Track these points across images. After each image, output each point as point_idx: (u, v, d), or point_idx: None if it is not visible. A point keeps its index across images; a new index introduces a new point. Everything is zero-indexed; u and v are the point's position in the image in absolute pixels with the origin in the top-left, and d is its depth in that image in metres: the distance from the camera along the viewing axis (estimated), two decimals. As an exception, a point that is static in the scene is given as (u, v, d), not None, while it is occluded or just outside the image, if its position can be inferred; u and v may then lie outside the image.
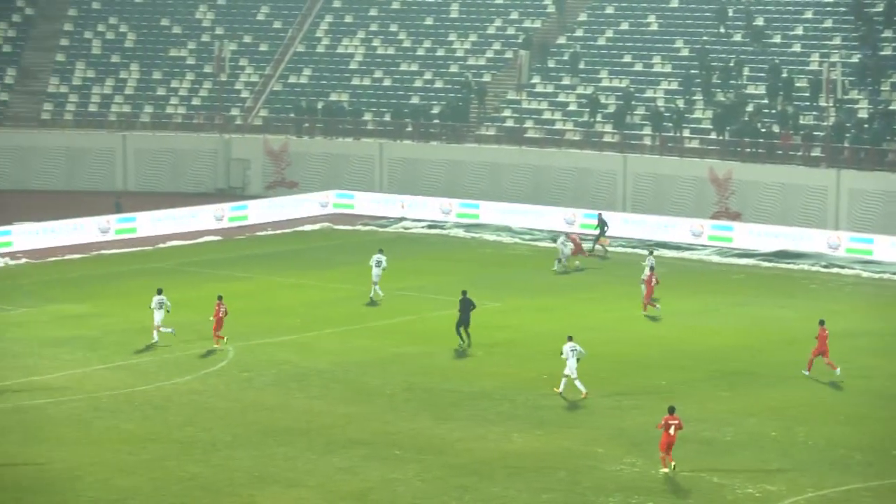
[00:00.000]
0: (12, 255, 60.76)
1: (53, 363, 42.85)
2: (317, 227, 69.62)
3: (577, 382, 39.08)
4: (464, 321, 44.90)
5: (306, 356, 43.88)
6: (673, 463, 33.48)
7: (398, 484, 32.59)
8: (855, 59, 68.44)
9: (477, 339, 45.99)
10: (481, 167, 72.79)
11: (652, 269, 51.09)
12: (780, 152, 66.40)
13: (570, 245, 58.24)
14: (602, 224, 62.91)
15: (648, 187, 68.54)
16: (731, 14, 73.84)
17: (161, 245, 64.59)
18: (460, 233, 67.81)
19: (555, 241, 60.21)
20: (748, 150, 66.97)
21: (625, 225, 66.42)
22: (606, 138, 71.08)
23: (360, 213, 72.41)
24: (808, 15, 72.31)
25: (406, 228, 69.06)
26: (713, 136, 68.62)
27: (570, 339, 39.80)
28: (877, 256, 60.12)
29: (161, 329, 45.17)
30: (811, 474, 33.20)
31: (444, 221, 69.94)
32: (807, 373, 41.74)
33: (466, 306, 45.08)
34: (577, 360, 39.03)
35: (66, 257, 61.25)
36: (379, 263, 51.99)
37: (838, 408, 38.45)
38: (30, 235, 63.15)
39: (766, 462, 34.01)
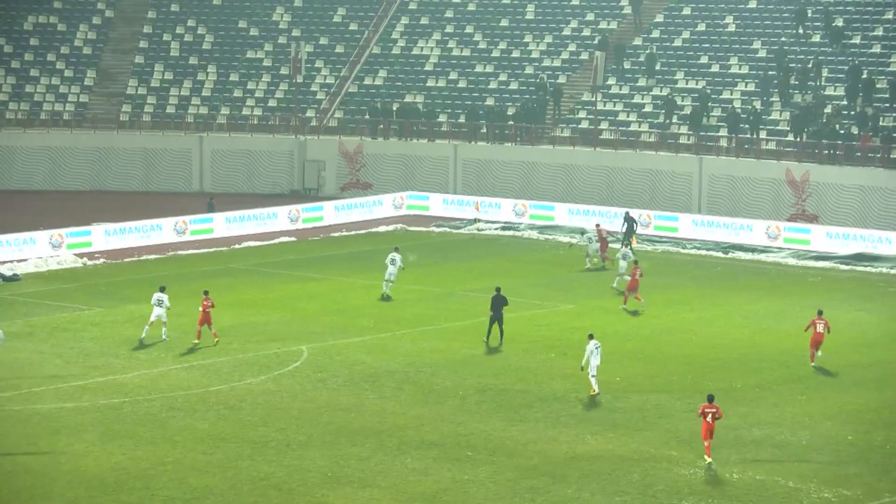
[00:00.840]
0: (90, 256, 61.47)
1: (129, 363, 43.29)
2: (391, 228, 69.80)
3: (593, 379, 39.05)
4: (497, 318, 45.01)
5: (379, 357, 44.01)
6: (708, 458, 33.50)
7: (470, 485, 32.58)
8: (936, 60, 67.61)
9: (550, 342, 45.91)
10: (555, 169, 72.67)
11: (635, 262, 51.53)
12: (858, 154, 65.71)
13: (597, 243, 57.64)
14: (630, 222, 62.71)
15: (724, 189, 68.09)
16: (809, 15, 73.17)
17: (236, 246, 65.06)
18: (534, 234, 67.74)
19: (582, 233, 59.61)
20: (826, 151, 66.32)
21: (700, 227, 66.07)
22: (682, 140, 70.69)
23: (434, 214, 72.55)
24: (889, 16, 71.48)
25: (479, 230, 69.07)
26: (790, 137, 68.02)
27: (591, 337, 39.81)
28: (957, 260, 59.33)
29: (152, 323, 45.00)
30: (889, 479, 32.81)
31: (518, 223, 69.89)
32: (812, 364, 42.57)
33: (499, 303, 45.15)
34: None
35: (142, 258, 61.88)
36: (393, 262, 52.48)
37: (916, 413, 37.99)
38: (108, 236, 63.88)
39: (842, 466, 33.66)
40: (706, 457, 33.90)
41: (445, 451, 34.77)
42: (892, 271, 58.77)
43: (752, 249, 63.29)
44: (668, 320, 49.53)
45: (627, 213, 63.70)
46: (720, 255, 62.75)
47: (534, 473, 33.29)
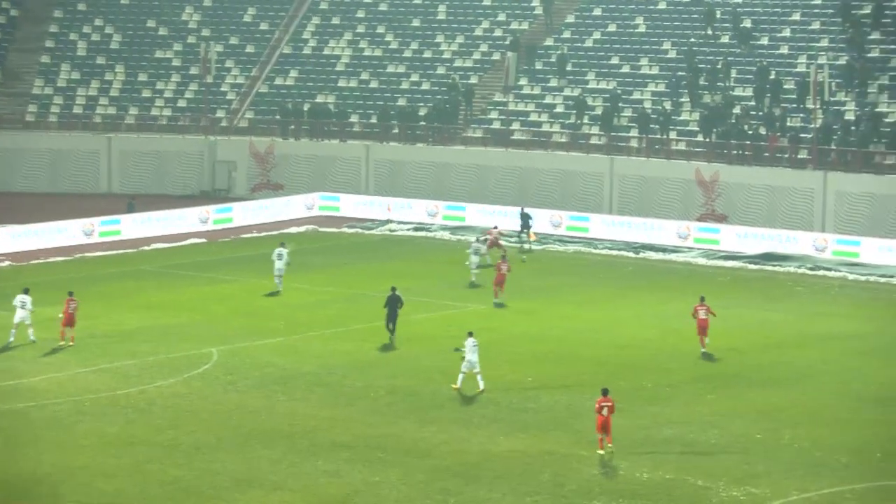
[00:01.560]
0: (-5, 258, 60.67)
1: (35, 366, 42.78)
2: (302, 229, 69.59)
3: (479, 377, 39.67)
4: (391, 317, 45.44)
5: (290, 359, 43.89)
6: (610, 446, 34.26)
7: (382, 487, 32.61)
8: (842, 62, 68.61)
9: (461, 342, 45.91)
10: (467, 169, 72.86)
11: (503, 257, 52.76)
12: (766, 154, 66.57)
13: (484, 247, 57.66)
14: (525, 218, 63.31)
15: (635, 189, 68.67)
16: (718, 16, 73.99)
17: (145, 247, 64.54)
18: (446, 235, 67.88)
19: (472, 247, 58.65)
20: (735, 152, 67.11)
21: (611, 227, 66.59)
22: (593, 140, 71.20)
23: (346, 215, 72.44)
24: (796, 17, 72.49)
25: (392, 231, 69.08)
26: (700, 138, 68.76)
27: (470, 334, 40.37)
28: (863, 259, 60.30)
29: (17, 326, 44.60)
30: (796, 477, 33.28)
31: (431, 224, 69.99)
32: (703, 349, 44.14)
33: (394, 303, 45.48)
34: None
35: (49, 260, 61.17)
36: (280, 257, 52.99)
37: (824, 410, 38.56)
38: (13, 238, 63.04)
39: (751, 465, 34.09)
40: (599, 450, 34.58)
41: (357, 452, 34.76)
42: (800, 270, 59.64)
43: (663, 249, 63.88)
44: (579, 321, 49.85)
45: (522, 210, 64.37)
46: (631, 255, 63.29)
47: (446, 475, 33.37)
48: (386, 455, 34.63)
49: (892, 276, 57.88)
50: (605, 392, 35.00)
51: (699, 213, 66.93)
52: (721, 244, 63.71)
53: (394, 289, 46.32)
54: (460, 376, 40.06)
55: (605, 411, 34.57)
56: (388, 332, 45.89)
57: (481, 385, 39.91)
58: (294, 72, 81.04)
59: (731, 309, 51.90)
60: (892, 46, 68.72)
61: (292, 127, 77.69)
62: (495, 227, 61.77)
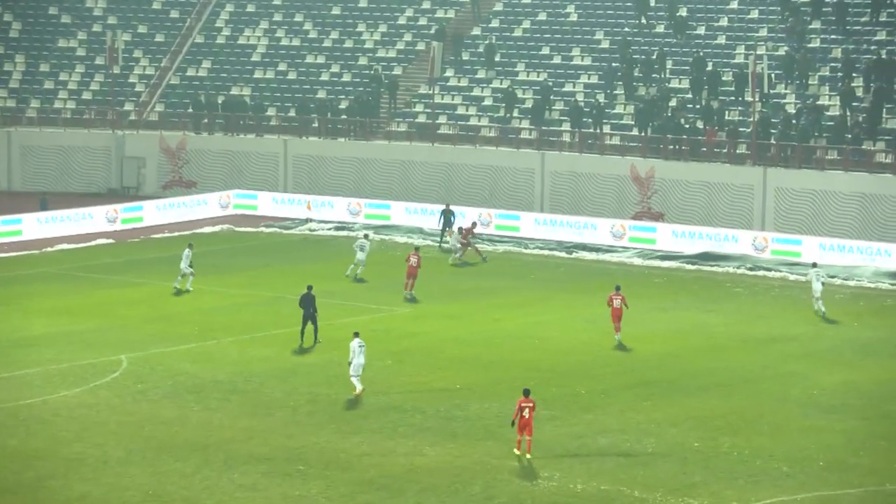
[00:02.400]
0: None
1: (-69, 376, 42.27)
2: (216, 229, 69.29)
3: (355, 379, 40.03)
4: (309, 317, 45.73)
5: (204, 366, 43.67)
6: (528, 455, 34.62)
7: (302, 501, 32.54)
8: (782, 52, 69.33)
9: (386, 347, 46.04)
10: (392, 165, 72.85)
11: (416, 249, 54.40)
12: (704, 149, 67.12)
13: (368, 244, 58.51)
14: (448, 215, 63.58)
15: (567, 186, 68.98)
16: (653, 4, 74.51)
17: (49, 248, 63.95)
18: (369, 234, 67.78)
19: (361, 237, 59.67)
20: (671, 147, 67.61)
21: (542, 226, 66.86)
22: (523, 135, 71.44)
23: (263, 214, 72.18)
24: (734, 6, 73.14)
25: (312, 230, 68.95)
26: (635, 132, 69.20)
27: (356, 335, 40.75)
28: (804, 258, 60.91)
29: None
30: (736, 487, 33.59)
31: (353, 223, 69.92)
32: (617, 336, 46.61)
33: (309, 302, 45.72)
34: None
35: (-55, 262, 60.51)
36: (188, 257, 53.74)
37: (764, 417, 38.94)
38: None
39: (688, 474, 34.35)
40: (516, 450, 34.95)
41: (275, 465, 34.64)
42: (739, 271, 60.18)
43: (597, 249, 64.22)
44: (509, 324, 50.01)
45: (447, 207, 64.56)
46: (563, 255, 63.57)
47: (369, 488, 33.34)
48: (306, 468, 34.54)
49: (833, 277, 58.54)
50: (526, 392, 35.44)
51: (634, 211, 67.36)
52: (657, 244, 64.15)
53: (310, 287, 46.37)
54: (354, 380, 40.14)
55: (526, 412, 34.96)
56: (301, 336, 45.92)
57: (358, 388, 40.11)
58: (207, 62, 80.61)
59: (668, 311, 52.31)
60: (833, 36, 69.58)
61: (205, 121, 77.29)
62: (473, 224, 62.38)
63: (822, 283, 52.35)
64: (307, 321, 45.95)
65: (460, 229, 62.36)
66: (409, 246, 64.20)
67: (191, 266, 54.02)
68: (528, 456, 35.03)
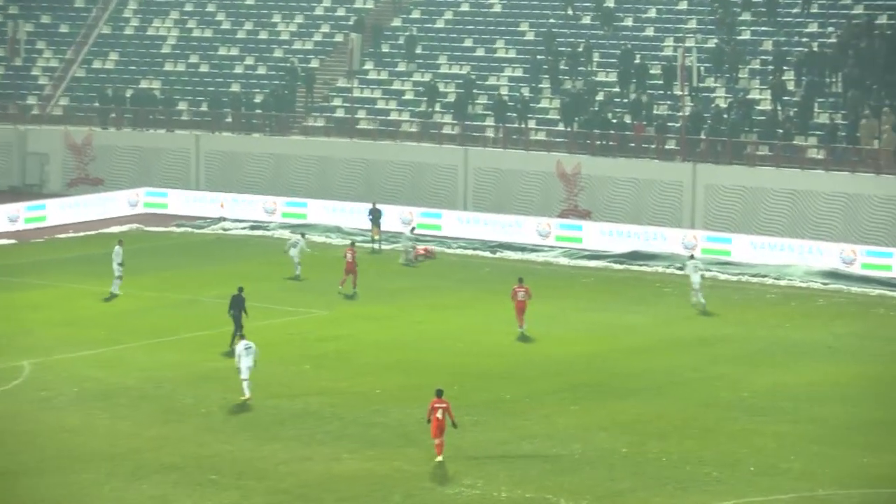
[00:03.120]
0: None
1: None
2: (125, 228, 68.85)
3: (246, 384, 40.11)
4: (236, 319, 45.89)
5: (112, 372, 43.45)
6: (440, 457, 35.05)
7: (215, 512, 32.48)
8: (711, 45, 69.94)
9: (303, 352, 46.01)
10: (309, 162, 72.71)
11: (352, 243, 55.58)
12: (632, 145, 67.57)
13: (303, 241, 58.88)
14: (376, 214, 63.73)
15: (491, 183, 69.19)
16: (579, -5, 74.90)
17: (-53, 250, 63.36)
18: (285, 234, 67.67)
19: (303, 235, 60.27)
20: (598, 142, 68.00)
21: (465, 224, 67.01)
22: (446, 130, 71.56)
23: (174, 212, 71.83)
24: (662, -4, 73.65)
25: (225, 230, 68.72)
26: (561, 127, 69.54)
27: (242, 337, 41.85)
28: (735, 257, 61.56)
29: None
30: (664, 493, 33.88)
31: (268, 222, 69.75)
32: (521, 329, 48.36)
33: (239, 304, 45.91)
34: (255, 361, 40.21)
35: None
36: (119, 255, 53.48)
37: (693, 421, 39.31)
38: None
39: (616, 481, 34.61)
40: (438, 457, 35.10)
41: (187, 475, 34.53)
42: (668, 270, 60.65)
43: (522, 248, 64.48)
44: (431, 327, 50.11)
45: (374, 205, 64.63)
46: (487, 254, 63.78)
47: (285, 498, 33.31)
48: (219, 477, 34.45)
49: (765, 276, 59.20)
50: (439, 393, 35.70)
51: (560, 209, 67.69)
52: (584, 242, 64.51)
53: (240, 289, 46.39)
54: (244, 384, 40.22)
55: (440, 413, 35.19)
56: (232, 340, 45.75)
57: (247, 393, 40.22)
58: (114, 54, 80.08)
59: (596, 313, 52.66)
60: (764, 28, 70.30)
61: (113, 115, 76.77)
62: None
63: (702, 276, 53.44)
64: (238, 325, 45.86)
65: (414, 236, 62.01)
66: (329, 246, 64.18)
67: (122, 265, 53.39)
68: (439, 458, 35.24)
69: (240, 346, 40.68)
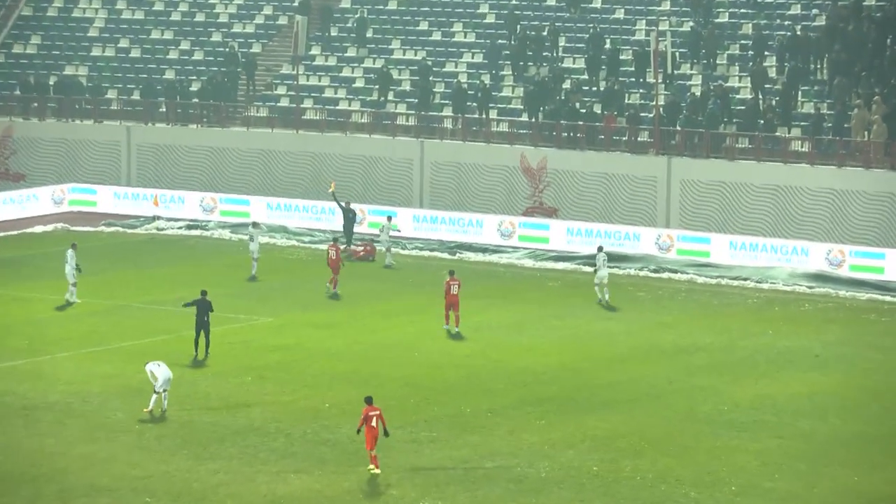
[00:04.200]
0: None
1: None
2: (49, 228, 68.66)
3: (155, 399, 40.29)
4: (202, 326, 45.96)
5: (35, 385, 43.20)
6: (376, 470, 35.33)
7: (149, 539, 32.33)
8: (686, 28, 70.13)
9: (245, 363, 45.83)
10: (251, 155, 72.56)
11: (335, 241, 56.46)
12: (602, 137, 67.68)
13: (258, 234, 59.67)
14: (351, 214, 63.81)
15: (449, 179, 69.18)
16: (544, -26, 74.97)
17: None
18: (225, 234, 67.48)
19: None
20: (565, 134, 68.08)
21: (422, 224, 66.96)
22: (400, 121, 71.51)
23: (103, 211, 71.54)
24: (630, -25, 73.77)
25: (160, 229, 68.47)
26: (525, 117, 69.58)
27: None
28: (713, 259, 61.73)
29: None
30: (639, 515, 33.93)
31: (206, 221, 69.52)
32: (446, 327, 49.63)
33: (205, 309, 45.94)
34: (168, 380, 40.49)
35: None
36: (72, 258, 53.28)
37: (669, 437, 39.34)
38: None
39: (586, 502, 34.61)
40: (374, 469, 35.38)
41: (119, 497, 34.34)
42: (642, 273, 60.75)
43: (483, 249, 64.48)
44: (385, 335, 50.03)
45: (347, 204, 64.34)
46: (446, 256, 63.74)
47: (227, 522, 33.21)
48: (154, 500, 34.31)
49: (746, 279, 59.35)
50: (369, 400, 36.10)
51: (525, 207, 67.72)
52: (550, 243, 64.57)
53: (204, 293, 46.43)
54: (153, 397, 40.33)
55: (374, 422, 35.54)
56: (195, 347, 46.13)
57: (151, 405, 40.41)
58: (36, 38, 79.69)
59: (564, 319, 52.68)
60: (743, 10, 70.54)
61: (35, 104, 76.40)
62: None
63: (608, 270, 54.71)
64: (201, 330, 46.02)
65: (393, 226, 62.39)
66: (272, 247, 64.01)
67: (78, 269, 53.04)
68: (376, 471, 35.43)
69: (149, 366, 40.67)
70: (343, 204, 64.46)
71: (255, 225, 60.46)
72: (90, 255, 62.23)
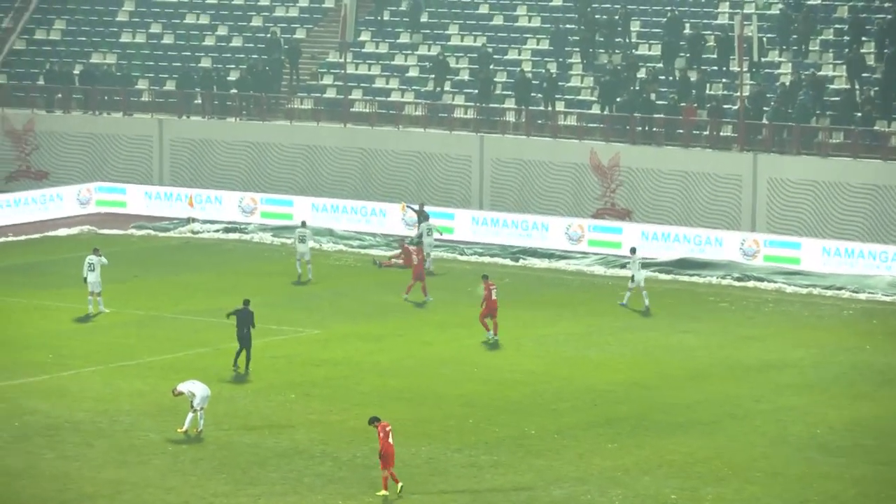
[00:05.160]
0: None
1: None
2: (74, 231, 69.05)
3: (191, 418, 40.57)
4: (243, 339, 46.27)
5: (59, 403, 43.46)
6: (400, 484, 35.55)
7: (184, 571, 32.58)
8: (775, 11, 69.94)
9: (288, 378, 46.00)
10: (294, 151, 72.82)
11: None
12: (680, 131, 67.60)
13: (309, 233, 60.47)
14: (424, 216, 63.79)
15: (512, 177, 69.24)
16: (617, -48, 74.97)
17: None
18: (266, 238, 67.75)
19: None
20: (640, 128, 68.05)
21: (481, 227, 67.02)
22: (457, 114, 71.63)
23: (133, 212, 71.92)
24: (716, -46, 73.76)
25: (195, 233, 68.79)
26: (595, 110, 69.58)
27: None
28: (804, 266, 61.53)
29: None
30: (721, 548, 33.95)
31: (246, 223, 69.80)
32: (492, 335, 50.12)
33: (246, 320, 46.14)
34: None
35: None
36: (91, 267, 53.04)
37: (756, 462, 39.28)
38: None
39: (663, 533, 34.67)
40: (382, 490, 35.70)
41: (151, 526, 34.65)
42: (724, 282, 60.62)
43: (549, 255, 64.47)
44: (442, 349, 50.11)
45: (421, 207, 64.33)
46: (508, 262, 63.78)
47: (269, 553, 33.41)
48: (189, 529, 34.57)
49: (840, 289, 59.13)
50: (375, 420, 36.65)
51: (595, 208, 67.72)
52: (623, 248, 64.48)
53: (246, 302, 46.66)
54: (189, 416, 40.55)
55: (391, 438, 36.01)
56: (234, 362, 46.49)
57: (186, 425, 40.59)
58: (60, 23, 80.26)
59: (637, 332, 52.63)
60: (839, -7, 70.40)
61: (59, 96, 76.92)
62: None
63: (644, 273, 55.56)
64: (244, 344, 46.20)
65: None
66: (318, 252, 64.23)
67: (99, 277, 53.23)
68: (391, 493, 35.82)
69: (183, 385, 40.88)
70: (416, 207, 64.54)
71: (304, 224, 60.73)
72: (119, 260, 62.62)
